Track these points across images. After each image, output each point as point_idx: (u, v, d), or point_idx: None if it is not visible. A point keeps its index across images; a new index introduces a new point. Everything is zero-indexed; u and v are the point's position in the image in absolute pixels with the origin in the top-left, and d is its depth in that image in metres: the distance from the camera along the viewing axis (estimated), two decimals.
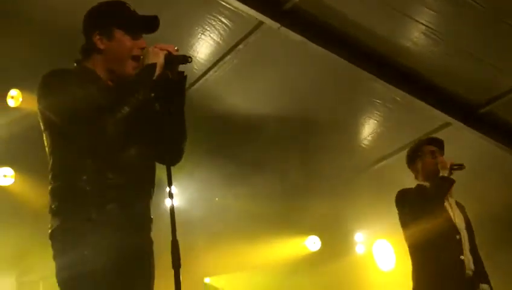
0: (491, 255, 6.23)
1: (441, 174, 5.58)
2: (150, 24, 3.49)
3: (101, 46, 3.43)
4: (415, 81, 7.11)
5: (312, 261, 8.95)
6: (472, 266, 5.36)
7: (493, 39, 6.36)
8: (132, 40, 3.44)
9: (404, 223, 5.73)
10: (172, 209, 3.16)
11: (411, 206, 5.60)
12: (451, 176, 5.58)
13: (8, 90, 7.15)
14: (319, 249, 9.02)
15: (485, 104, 7.32)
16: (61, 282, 3.24)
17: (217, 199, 8.63)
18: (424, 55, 6.80)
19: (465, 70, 6.84)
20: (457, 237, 5.42)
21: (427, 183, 5.67)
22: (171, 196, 3.18)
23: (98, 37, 3.44)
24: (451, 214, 5.55)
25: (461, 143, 7.66)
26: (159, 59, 3.28)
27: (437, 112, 7.37)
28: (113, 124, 3.17)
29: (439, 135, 7.64)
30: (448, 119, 7.47)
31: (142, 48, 3.39)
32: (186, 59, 3.32)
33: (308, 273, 8.71)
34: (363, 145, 8.30)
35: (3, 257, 7.01)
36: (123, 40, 3.44)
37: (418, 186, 5.74)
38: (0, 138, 7.13)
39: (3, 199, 7.25)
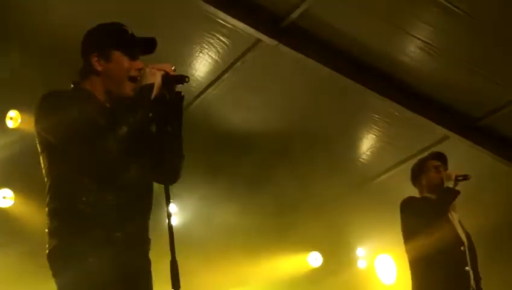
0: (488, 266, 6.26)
1: (445, 185, 5.55)
2: (148, 45, 3.50)
3: (99, 68, 3.43)
4: (412, 96, 7.13)
5: (314, 277, 8.90)
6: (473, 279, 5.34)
7: (490, 53, 6.39)
8: (130, 61, 3.43)
9: (407, 232, 5.68)
10: (170, 229, 3.14)
11: (416, 214, 5.55)
12: (457, 188, 5.57)
13: (7, 111, 7.15)
14: (321, 265, 8.97)
15: (483, 117, 7.33)
16: None
17: (216, 216, 8.61)
18: (422, 70, 6.83)
19: (462, 84, 6.86)
20: (462, 248, 5.40)
21: (432, 196, 5.64)
22: (169, 215, 3.16)
23: (95, 58, 3.43)
24: (455, 225, 5.53)
25: (460, 156, 7.65)
26: (157, 79, 3.28)
27: (435, 126, 7.39)
28: (111, 144, 3.17)
29: (437, 149, 7.65)
30: (447, 132, 7.48)
31: (140, 69, 3.39)
32: (184, 79, 3.32)
33: (310, 289, 8.67)
34: (362, 160, 8.30)
35: (3, 278, 6.97)
36: (121, 61, 3.43)
37: (424, 197, 5.72)
38: (0, 160, 7.12)
39: (2, 220, 7.23)
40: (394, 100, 7.13)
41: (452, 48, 6.47)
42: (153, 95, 3.27)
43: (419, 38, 6.40)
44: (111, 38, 3.47)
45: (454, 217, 5.60)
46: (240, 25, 6.51)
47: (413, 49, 6.55)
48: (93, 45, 3.49)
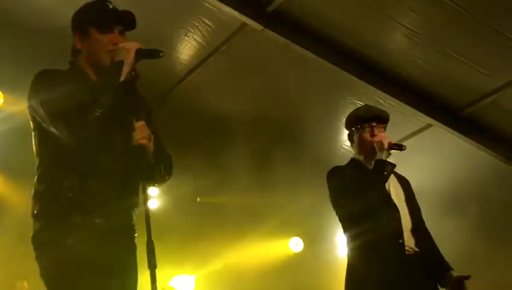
0: None
1: (377, 156, 4.70)
2: (124, 18, 3.51)
3: (79, 46, 3.49)
4: (397, 83, 7.15)
5: (295, 262, 8.93)
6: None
7: (476, 42, 6.40)
8: (107, 36, 3.43)
9: (338, 204, 4.88)
10: (147, 213, 3.19)
11: (349, 189, 4.72)
12: (390, 157, 4.71)
13: None
14: (302, 250, 9.01)
15: (467, 106, 7.35)
16: (46, 281, 3.28)
17: (198, 199, 8.62)
18: (406, 57, 6.85)
19: (447, 72, 6.88)
20: (397, 215, 4.68)
21: (361, 157, 4.86)
22: (146, 198, 3.27)
23: (77, 37, 3.50)
24: (391, 192, 4.80)
25: (443, 145, 7.71)
26: (130, 54, 3.28)
27: (419, 114, 7.42)
28: (88, 125, 3.18)
29: (421, 136, 7.72)
30: (430, 120, 7.51)
31: (115, 43, 3.39)
32: (158, 53, 3.32)
33: (291, 274, 8.69)
34: (345, 147, 8.30)
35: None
36: (97, 37, 3.44)
37: (354, 162, 4.93)
38: None
39: None
40: (378, 87, 7.15)
41: (437, 36, 6.46)
42: (123, 73, 3.25)
43: (404, 26, 6.40)
44: (88, 16, 3.49)
45: (391, 182, 4.86)
46: (226, 8, 6.49)
47: (398, 36, 6.56)
48: (75, 24, 3.53)
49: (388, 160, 4.65)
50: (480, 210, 7.85)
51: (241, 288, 8.34)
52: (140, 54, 3.30)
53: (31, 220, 3.36)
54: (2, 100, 7.09)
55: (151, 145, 3.30)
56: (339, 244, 9.16)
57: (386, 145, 4.64)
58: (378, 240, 4.46)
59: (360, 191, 4.60)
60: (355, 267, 4.66)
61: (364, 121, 4.84)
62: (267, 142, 8.22)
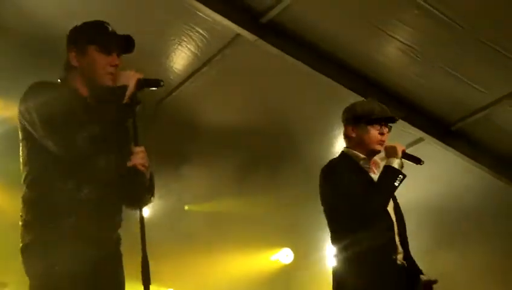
0: None
1: (388, 162, 4.47)
2: (126, 43, 3.59)
3: (75, 63, 3.54)
4: (389, 96, 7.13)
5: (284, 273, 8.92)
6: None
7: (468, 57, 6.42)
8: (105, 56, 3.51)
9: (335, 212, 4.60)
10: (143, 227, 3.27)
11: (351, 199, 4.40)
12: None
13: None
14: (292, 262, 9.00)
15: (458, 120, 7.35)
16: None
17: (186, 207, 8.60)
18: (399, 71, 6.87)
19: (439, 86, 6.89)
20: (392, 227, 4.51)
21: (355, 153, 4.60)
22: (141, 216, 3.34)
23: (73, 54, 3.54)
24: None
25: (434, 159, 7.68)
26: (131, 81, 3.41)
27: (411, 127, 7.40)
28: (86, 139, 3.25)
29: (412, 150, 7.65)
30: (422, 134, 7.50)
31: (114, 65, 3.51)
32: (159, 83, 3.48)
33: (281, 285, 8.69)
34: None
35: None
36: (95, 56, 3.51)
37: (349, 160, 4.64)
38: None
39: None
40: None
41: (430, 51, 6.48)
42: (126, 98, 3.39)
43: (398, 40, 6.42)
44: (88, 34, 3.55)
45: None
46: (220, 18, 6.51)
47: (391, 50, 6.58)
48: (72, 41, 3.58)
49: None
50: (469, 223, 7.84)
51: None
52: (142, 84, 3.45)
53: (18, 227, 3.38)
54: None
55: (147, 173, 3.48)
56: (329, 256, 9.17)
57: (399, 153, 4.47)
58: (372, 253, 4.29)
59: (363, 202, 4.33)
60: (345, 279, 4.50)
61: (376, 119, 4.60)
62: (259, 152, 8.21)
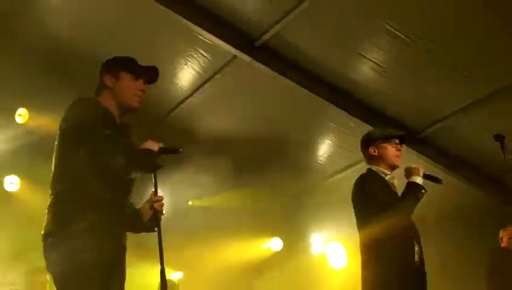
0: None
1: (412, 179, 4.50)
2: (150, 71, 3.78)
3: (109, 84, 3.66)
4: (364, 108, 7.14)
5: (275, 260, 8.92)
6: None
7: (430, 74, 6.41)
8: (134, 80, 3.69)
9: (365, 218, 4.59)
10: (160, 244, 3.52)
11: (381, 208, 4.44)
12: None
13: (17, 109, 7.12)
14: (281, 250, 9.00)
15: (424, 129, 7.32)
16: (54, 276, 3.34)
17: (190, 203, 8.60)
18: (372, 87, 6.83)
19: (406, 99, 6.88)
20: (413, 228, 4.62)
21: (380, 169, 4.66)
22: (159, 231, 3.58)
23: (107, 76, 3.68)
24: None
25: (403, 163, 7.65)
26: (155, 148, 3.49)
27: None
28: (116, 156, 3.38)
29: None
30: None
31: (141, 90, 3.68)
32: (177, 150, 3.56)
33: (272, 270, 8.69)
34: (320, 162, 8.32)
35: (13, 252, 6.92)
36: (126, 79, 3.68)
37: (376, 176, 4.67)
38: (8, 150, 7.11)
39: (10, 202, 7.21)
40: (349, 112, 7.14)
41: (398, 69, 6.47)
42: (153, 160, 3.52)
43: (371, 60, 6.41)
44: (121, 62, 3.74)
45: None
46: (220, 42, 6.51)
47: (365, 69, 6.55)
48: (108, 66, 3.73)
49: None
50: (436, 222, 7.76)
51: (228, 282, 8.30)
52: (163, 151, 3.52)
53: (43, 217, 3.41)
54: (27, 116, 7.10)
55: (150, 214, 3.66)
56: (314, 244, 9.17)
57: (421, 173, 4.51)
58: (396, 252, 4.33)
59: (391, 208, 4.37)
60: (374, 276, 4.48)
61: (391, 137, 4.73)
62: (254, 158, 8.21)
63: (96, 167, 3.37)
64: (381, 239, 4.37)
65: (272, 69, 6.74)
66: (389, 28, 5.91)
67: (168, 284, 6.93)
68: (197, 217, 8.29)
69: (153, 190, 3.63)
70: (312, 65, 6.76)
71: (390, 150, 4.68)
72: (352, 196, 4.69)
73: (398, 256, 4.36)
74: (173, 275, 8.28)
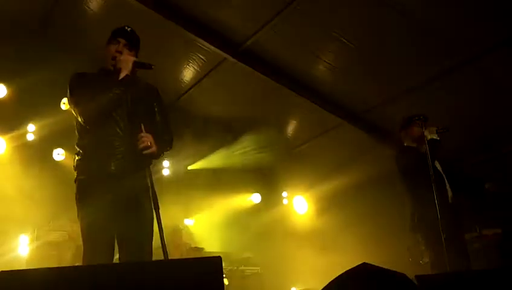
0: None
1: (429, 137, 4.46)
2: (127, 33, 3.31)
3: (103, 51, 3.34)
4: (320, 97, 7.14)
5: (255, 210, 8.95)
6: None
7: (370, 70, 6.36)
8: (114, 45, 3.27)
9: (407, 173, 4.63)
10: (152, 184, 3.03)
11: (416, 168, 4.46)
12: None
13: (61, 99, 7.09)
14: (260, 202, 9.03)
15: (367, 110, 7.16)
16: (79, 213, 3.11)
17: (188, 168, 8.51)
18: (326, 80, 6.82)
19: (352, 88, 6.82)
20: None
21: (414, 145, 4.72)
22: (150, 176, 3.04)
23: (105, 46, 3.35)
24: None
25: (351, 137, 7.60)
26: (129, 64, 3.13)
27: (332, 116, 7.38)
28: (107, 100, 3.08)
29: (335, 131, 7.59)
30: (341, 120, 7.44)
31: (119, 51, 3.23)
32: (150, 66, 3.15)
33: (253, 217, 8.72)
34: (289, 136, 8.34)
35: (59, 206, 6.84)
36: (109, 46, 3.30)
37: (409, 148, 4.75)
38: (56, 130, 7.06)
39: (59, 169, 7.20)
40: (309, 99, 7.15)
41: (345, 67, 6.47)
42: (121, 76, 3.11)
43: (325, 61, 6.46)
44: (110, 34, 3.35)
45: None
46: (213, 48, 6.57)
47: (321, 67, 6.58)
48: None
49: None
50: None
51: (222, 224, 8.31)
52: (137, 65, 3.16)
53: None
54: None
55: (154, 148, 3.06)
56: (283, 199, 9.17)
57: (434, 130, 4.48)
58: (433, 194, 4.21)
59: (422, 170, 4.30)
60: (421, 214, 4.48)
61: (413, 121, 4.72)
62: (237, 134, 8.22)
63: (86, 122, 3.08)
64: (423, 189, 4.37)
65: (252, 68, 6.79)
66: (336, 35, 5.93)
67: (176, 229, 7.08)
68: (196, 179, 8.25)
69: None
70: (281, 64, 6.80)
71: (415, 129, 4.68)
72: (396, 160, 4.76)
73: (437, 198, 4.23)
74: (187, 221, 8.22)
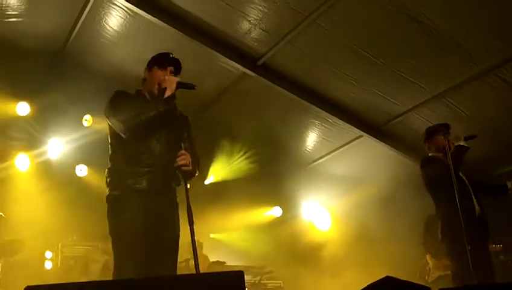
0: None
1: (456, 143, 4.54)
2: (174, 61, 3.41)
3: (145, 76, 3.44)
4: (339, 109, 7.09)
5: (276, 223, 8.90)
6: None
7: (387, 81, 6.35)
8: (162, 71, 3.36)
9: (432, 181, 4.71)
10: (187, 193, 3.06)
11: (439, 174, 4.52)
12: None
13: (84, 115, 7.19)
14: (281, 215, 8.98)
15: (384, 123, 7.17)
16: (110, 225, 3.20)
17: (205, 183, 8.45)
18: (344, 92, 6.77)
19: (370, 101, 6.75)
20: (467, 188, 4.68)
21: (439, 155, 4.74)
22: (186, 189, 3.07)
23: (145, 71, 3.46)
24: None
25: (370, 150, 7.58)
26: (173, 85, 3.22)
27: (353, 128, 7.33)
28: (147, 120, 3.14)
29: (354, 144, 7.56)
30: (361, 133, 7.38)
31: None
32: (192, 86, 3.25)
33: (274, 230, 8.65)
34: (307, 150, 8.27)
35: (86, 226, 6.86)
36: (156, 71, 3.38)
37: (434, 158, 4.78)
38: (79, 146, 7.17)
39: (80, 185, 7.27)
40: (327, 111, 7.12)
41: (363, 78, 6.43)
42: (166, 94, 3.19)
43: (344, 73, 6.43)
44: (154, 58, 3.45)
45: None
46: (233, 63, 6.65)
47: (338, 80, 6.53)
48: (148, 63, 3.49)
49: None
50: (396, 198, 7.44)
51: (244, 239, 8.27)
52: (181, 86, 3.25)
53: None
54: (92, 121, 7.18)
55: (191, 167, 3.17)
56: (304, 211, 9.08)
57: (461, 137, 4.55)
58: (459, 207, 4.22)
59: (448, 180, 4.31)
60: (447, 224, 4.51)
61: (437, 131, 4.77)
62: (258, 150, 8.22)
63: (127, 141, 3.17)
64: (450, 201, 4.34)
65: (270, 82, 6.82)
66: (355, 47, 5.92)
67: (197, 243, 7.06)
68: (215, 192, 8.21)
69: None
70: (300, 79, 6.80)
71: (439, 139, 4.70)
72: (422, 171, 4.80)
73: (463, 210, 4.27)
74: (208, 235, 8.18)
